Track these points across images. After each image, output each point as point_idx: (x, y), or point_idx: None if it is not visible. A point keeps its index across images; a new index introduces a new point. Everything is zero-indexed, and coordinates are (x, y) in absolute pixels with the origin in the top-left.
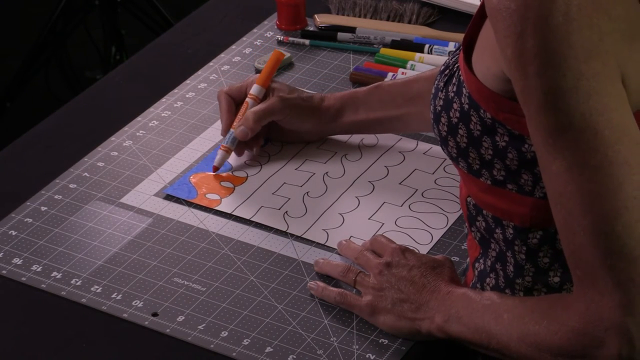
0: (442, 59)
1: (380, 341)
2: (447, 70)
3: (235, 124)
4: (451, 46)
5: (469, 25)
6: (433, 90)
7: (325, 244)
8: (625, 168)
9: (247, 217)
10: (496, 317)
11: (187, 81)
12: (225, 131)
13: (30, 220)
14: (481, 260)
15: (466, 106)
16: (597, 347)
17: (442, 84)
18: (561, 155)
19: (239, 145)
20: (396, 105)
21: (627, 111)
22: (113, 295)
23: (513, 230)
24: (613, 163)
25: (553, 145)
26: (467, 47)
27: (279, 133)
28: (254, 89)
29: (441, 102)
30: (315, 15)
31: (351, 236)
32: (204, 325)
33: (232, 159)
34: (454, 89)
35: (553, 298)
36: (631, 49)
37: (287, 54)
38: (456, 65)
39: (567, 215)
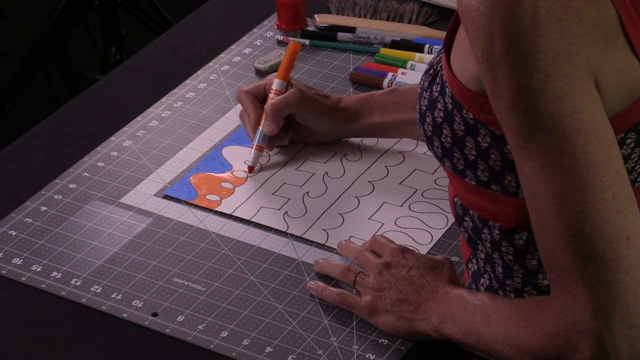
0: None
1: (380, 341)
2: (432, 70)
3: (261, 121)
4: None
5: (449, 25)
6: (419, 90)
7: (325, 244)
8: (594, 170)
9: (247, 218)
10: (485, 318)
11: (187, 81)
12: (254, 129)
13: (30, 220)
14: (473, 261)
15: (450, 106)
16: (570, 350)
17: (426, 83)
18: (531, 156)
19: (269, 140)
20: (412, 109)
21: (598, 113)
22: (113, 295)
23: (499, 231)
24: (582, 165)
25: (523, 146)
26: (448, 48)
27: (294, 133)
28: (276, 84)
29: (426, 102)
30: (315, 15)
31: (351, 236)
32: (203, 325)
33: (232, 159)
34: (438, 89)
35: (535, 300)
36: (605, 52)
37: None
38: (440, 65)
39: (540, 217)
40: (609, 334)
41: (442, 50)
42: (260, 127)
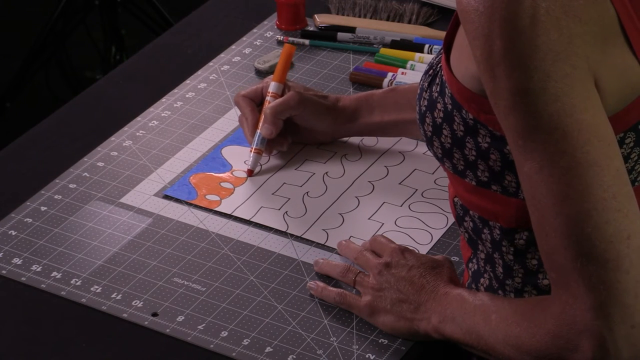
0: None
1: (380, 341)
2: (431, 70)
3: (259, 124)
4: None
5: (449, 25)
6: (418, 91)
7: (325, 244)
8: (594, 169)
9: (247, 218)
10: (485, 318)
11: (187, 81)
12: (252, 132)
13: (30, 220)
14: (474, 261)
15: (449, 106)
16: (571, 350)
17: (426, 84)
18: (531, 156)
19: (267, 144)
20: (411, 108)
21: (598, 112)
22: (113, 295)
23: (499, 231)
24: (582, 164)
25: (523, 146)
26: (448, 48)
27: (294, 133)
28: (272, 87)
29: (425, 103)
30: (315, 15)
31: (351, 236)
32: (203, 325)
33: (232, 159)
34: (438, 89)
35: (536, 300)
36: (604, 52)
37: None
38: (439, 65)
39: (540, 217)
40: (610, 333)
41: (442, 50)
42: (259, 130)
